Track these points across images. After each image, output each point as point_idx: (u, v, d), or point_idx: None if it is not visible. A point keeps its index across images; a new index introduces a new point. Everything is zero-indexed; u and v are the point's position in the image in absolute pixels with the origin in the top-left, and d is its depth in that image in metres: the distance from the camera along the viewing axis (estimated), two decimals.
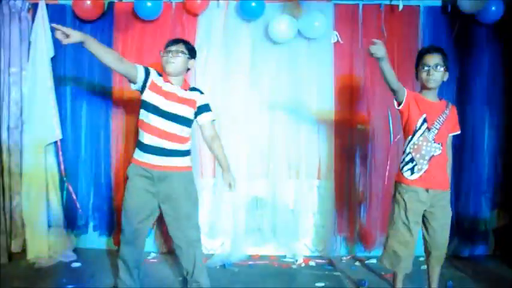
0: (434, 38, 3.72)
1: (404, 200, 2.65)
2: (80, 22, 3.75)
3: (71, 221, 3.82)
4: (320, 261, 3.73)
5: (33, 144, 3.62)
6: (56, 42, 3.66)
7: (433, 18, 3.79)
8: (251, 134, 3.83)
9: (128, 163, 3.70)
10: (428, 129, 2.61)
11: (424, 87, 2.68)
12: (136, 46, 3.77)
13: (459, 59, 3.78)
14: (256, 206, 3.85)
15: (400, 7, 3.73)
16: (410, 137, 2.66)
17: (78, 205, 3.79)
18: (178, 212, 2.71)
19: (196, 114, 2.76)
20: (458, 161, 3.79)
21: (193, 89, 2.82)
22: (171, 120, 2.67)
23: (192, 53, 2.80)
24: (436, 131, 2.61)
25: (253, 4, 3.58)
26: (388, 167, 3.77)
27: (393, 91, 2.63)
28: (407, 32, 3.79)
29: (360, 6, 3.79)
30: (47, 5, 3.67)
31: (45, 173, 3.66)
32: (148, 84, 2.70)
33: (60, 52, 3.74)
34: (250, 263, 3.67)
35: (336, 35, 3.76)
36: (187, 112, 2.72)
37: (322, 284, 3.24)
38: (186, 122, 2.72)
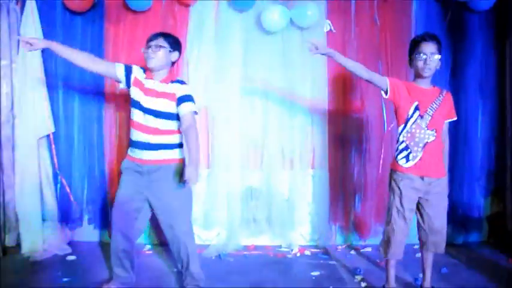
0: (427, 26, 3.70)
1: (399, 188, 2.67)
2: (70, 14, 3.71)
3: (65, 215, 3.80)
4: (315, 250, 3.74)
5: (25, 138, 3.59)
6: (46, 34, 3.64)
7: (425, 6, 3.78)
8: (245, 124, 3.82)
9: (121, 155, 3.73)
10: (421, 116, 2.62)
11: (418, 76, 2.67)
12: (127, 38, 3.74)
13: (452, 46, 3.78)
14: (251, 197, 3.85)
15: None
16: (403, 125, 2.67)
17: (72, 198, 3.78)
18: (168, 205, 2.71)
19: (177, 105, 2.69)
20: (451, 149, 3.79)
21: (175, 81, 2.73)
22: (153, 116, 2.66)
23: (174, 45, 2.75)
24: (429, 118, 2.61)
25: None
26: (382, 156, 3.78)
27: (369, 82, 2.66)
28: (400, 20, 3.78)
29: None
30: None
31: (38, 166, 3.64)
32: (132, 81, 2.74)
33: None
34: (245, 253, 3.67)
35: (329, 24, 3.75)
36: (168, 106, 2.67)
37: (317, 273, 3.25)
38: (168, 116, 2.68)
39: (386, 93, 2.67)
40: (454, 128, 3.74)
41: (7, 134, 3.62)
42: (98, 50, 3.73)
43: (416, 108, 2.62)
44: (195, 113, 2.72)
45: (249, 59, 3.78)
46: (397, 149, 2.70)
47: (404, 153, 2.65)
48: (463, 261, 3.43)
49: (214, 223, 3.82)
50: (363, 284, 3.05)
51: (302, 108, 3.81)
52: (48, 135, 3.70)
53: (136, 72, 2.77)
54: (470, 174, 3.82)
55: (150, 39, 2.72)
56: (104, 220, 3.86)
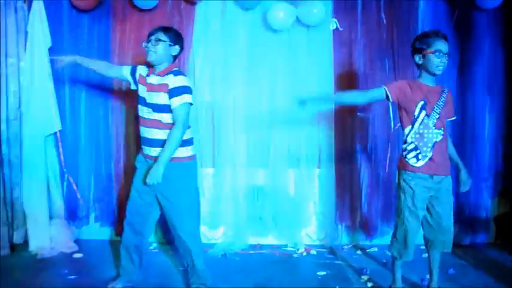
0: (434, 24, 3.67)
1: (411, 187, 2.62)
2: (76, 12, 3.73)
3: (72, 212, 3.83)
4: (321, 250, 3.73)
5: (32, 136, 3.61)
6: (53, 32, 3.65)
7: (432, 4, 3.74)
8: (251, 122, 3.81)
9: (128, 153, 3.76)
10: (428, 115, 2.58)
11: (428, 73, 2.61)
12: (134, 36, 3.74)
13: (459, 44, 3.74)
14: (257, 196, 3.85)
15: None
16: (410, 126, 2.62)
17: (79, 196, 3.80)
18: (174, 203, 2.71)
19: (169, 98, 2.62)
20: (458, 148, 3.76)
21: (170, 72, 2.66)
22: (153, 110, 2.66)
23: (174, 39, 2.72)
24: (436, 116, 2.58)
25: None
26: (388, 155, 3.75)
27: (370, 103, 2.65)
28: (407, 18, 3.73)
29: None
30: None
31: (45, 164, 3.66)
32: (137, 79, 2.80)
33: (58, 42, 3.71)
34: (251, 252, 3.67)
35: (335, 22, 3.72)
36: (164, 99, 2.63)
37: (323, 273, 3.24)
38: (166, 109, 2.64)
39: (388, 98, 2.63)
40: (460, 127, 3.73)
41: (15, 131, 3.63)
42: (104, 48, 3.75)
43: (423, 108, 2.58)
44: (190, 104, 2.64)
45: (255, 57, 3.77)
46: (405, 149, 2.65)
47: (414, 153, 2.61)
48: (470, 262, 3.41)
49: (220, 222, 3.83)
50: (369, 284, 3.04)
51: (308, 106, 3.77)
52: (55, 133, 3.71)
53: (141, 70, 2.80)
54: (477, 175, 3.79)
55: (151, 34, 2.72)
56: (111, 218, 3.88)
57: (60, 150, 3.74)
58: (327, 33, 3.73)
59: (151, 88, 2.68)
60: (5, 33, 3.57)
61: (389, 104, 3.70)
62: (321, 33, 3.72)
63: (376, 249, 3.74)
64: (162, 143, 2.63)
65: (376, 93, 2.66)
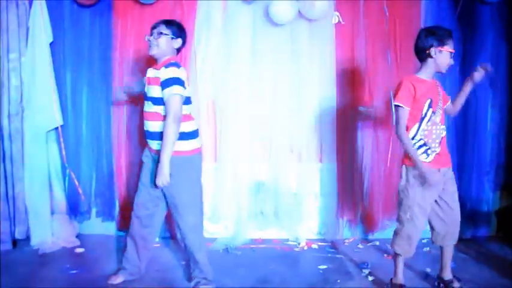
0: (437, 17, 3.66)
1: (421, 183, 2.59)
2: (78, 7, 3.72)
3: (74, 207, 3.84)
4: (323, 244, 3.74)
5: (34, 131, 3.61)
6: (55, 27, 3.65)
7: None
8: (252, 117, 3.80)
9: (129, 148, 3.75)
10: (434, 112, 2.58)
11: (435, 69, 2.59)
12: (135, 30, 3.73)
13: (462, 38, 3.72)
14: (259, 190, 3.85)
15: None
16: (417, 124, 2.59)
17: (80, 191, 3.80)
18: (176, 197, 2.71)
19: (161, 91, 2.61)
20: (461, 142, 3.78)
21: (165, 65, 2.63)
22: (152, 103, 2.66)
23: (177, 32, 2.72)
24: (440, 112, 2.59)
25: None
26: (390, 149, 3.75)
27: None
28: (410, 11, 3.72)
29: None
30: None
31: (47, 159, 3.67)
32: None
33: (59, 37, 3.71)
34: (253, 246, 3.67)
35: (337, 16, 3.71)
36: (158, 91, 2.62)
37: (325, 267, 3.25)
38: (159, 101, 2.62)
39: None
40: (462, 121, 3.73)
41: (16, 126, 3.63)
42: (106, 43, 3.74)
43: (430, 106, 2.57)
44: (180, 96, 2.58)
45: (257, 51, 3.75)
46: (413, 145, 2.60)
47: (423, 149, 2.59)
48: (472, 255, 3.40)
49: (221, 216, 3.82)
50: (370, 278, 3.05)
51: (310, 100, 3.79)
52: (56, 128, 3.71)
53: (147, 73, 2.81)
54: (479, 168, 3.78)
55: (153, 27, 2.72)
56: (112, 213, 3.88)
57: (62, 145, 3.74)
58: (329, 27, 3.72)
59: (149, 82, 2.70)
60: (6, 28, 3.56)
61: (391, 98, 3.71)
62: (323, 27, 3.71)
63: (377, 243, 3.74)
64: (161, 136, 2.63)
65: (404, 116, 2.57)
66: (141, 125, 2.82)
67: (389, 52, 3.72)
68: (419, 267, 3.14)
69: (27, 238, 3.65)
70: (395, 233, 2.75)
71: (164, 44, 2.68)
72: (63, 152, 3.75)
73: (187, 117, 2.72)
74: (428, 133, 2.58)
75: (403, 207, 2.68)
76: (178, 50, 2.80)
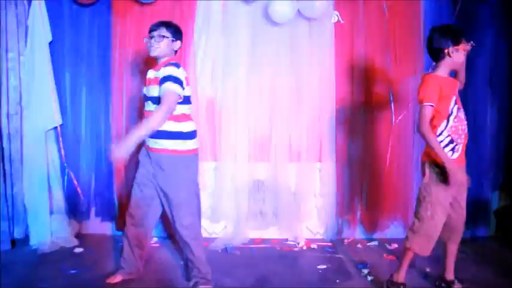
0: (437, 16, 3.67)
1: (447, 182, 2.54)
2: (77, 6, 3.72)
3: (73, 207, 3.83)
4: (322, 243, 3.74)
5: (33, 130, 3.61)
6: (54, 27, 3.65)
7: None
8: (252, 116, 3.81)
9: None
10: (459, 108, 2.59)
11: (451, 67, 2.60)
12: (135, 30, 3.73)
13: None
14: (258, 190, 3.85)
15: None
16: (446, 120, 2.56)
17: (79, 191, 3.79)
18: (172, 198, 2.71)
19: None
20: None
21: (165, 65, 2.64)
22: (152, 102, 2.67)
23: (176, 34, 2.75)
24: (462, 108, 2.60)
25: None
26: (389, 149, 3.75)
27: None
28: (409, 10, 3.73)
29: None
30: None
31: (46, 159, 3.66)
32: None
33: (58, 36, 3.71)
34: (252, 246, 3.67)
35: (337, 15, 3.71)
36: (157, 91, 2.63)
37: (324, 267, 3.25)
38: (159, 100, 2.62)
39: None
40: None
41: (15, 126, 3.63)
42: (105, 42, 3.74)
43: (455, 102, 2.57)
44: (176, 93, 2.57)
45: (257, 51, 3.76)
46: (441, 142, 2.55)
47: (451, 146, 2.57)
48: (471, 255, 3.40)
49: (221, 216, 3.83)
50: (370, 278, 3.04)
51: (309, 100, 3.79)
52: (55, 128, 3.71)
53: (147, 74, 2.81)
54: (478, 168, 3.78)
55: (153, 29, 2.72)
56: (111, 213, 3.88)
57: (61, 145, 3.74)
58: (329, 26, 3.72)
59: (149, 82, 2.72)
60: (5, 27, 3.56)
61: (390, 97, 3.72)
62: (323, 26, 3.71)
63: (376, 243, 3.75)
64: (161, 134, 2.64)
65: (429, 113, 2.52)
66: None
67: (389, 51, 3.72)
68: (418, 266, 3.13)
69: (26, 238, 3.65)
70: (413, 231, 2.66)
71: (165, 47, 2.70)
72: (62, 152, 3.75)
73: (187, 117, 2.73)
74: (455, 129, 2.57)
75: (424, 205, 2.62)
76: (176, 52, 2.82)
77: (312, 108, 3.80)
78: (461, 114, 2.60)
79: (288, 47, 3.75)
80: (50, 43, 3.65)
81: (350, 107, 3.79)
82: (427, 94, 2.52)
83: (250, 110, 3.80)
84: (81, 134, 3.84)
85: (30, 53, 3.59)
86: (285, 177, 3.82)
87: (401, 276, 2.75)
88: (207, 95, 3.81)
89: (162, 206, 2.82)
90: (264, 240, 3.79)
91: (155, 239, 3.79)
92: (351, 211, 3.85)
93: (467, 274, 3.03)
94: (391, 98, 3.74)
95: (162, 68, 2.63)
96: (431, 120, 2.56)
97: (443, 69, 2.59)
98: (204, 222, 3.66)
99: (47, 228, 3.62)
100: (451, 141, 2.57)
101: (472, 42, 2.58)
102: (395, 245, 3.65)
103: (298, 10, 3.60)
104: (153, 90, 2.66)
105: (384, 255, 3.48)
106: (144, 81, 2.86)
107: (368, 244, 3.74)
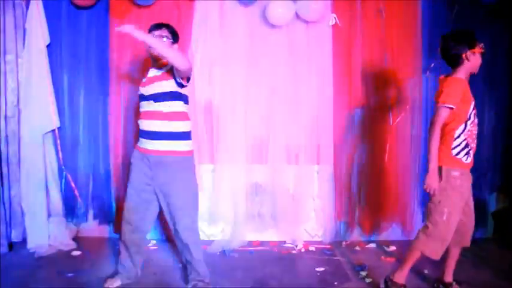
0: (434, 19, 3.70)
1: (463, 185, 2.58)
2: (75, 8, 3.71)
3: (71, 210, 3.83)
4: (320, 246, 3.74)
5: (31, 133, 3.60)
6: (52, 29, 3.64)
7: (432, 0, 3.74)
8: (250, 119, 3.81)
9: (126, 150, 3.73)
10: (475, 114, 2.60)
11: (469, 70, 2.61)
12: None
13: None
14: (256, 192, 3.85)
15: None
16: (463, 124, 2.56)
17: (77, 193, 3.78)
18: (172, 199, 2.71)
19: (175, 75, 2.63)
20: None
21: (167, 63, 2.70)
22: (153, 100, 2.67)
23: (175, 37, 2.78)
24: (476, 113, 2.62)
25: None
26: (388, 151, 3.75)
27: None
28: (407, 13, 3.74)
29: None
30: None
31: (43, 161, 3.65)
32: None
33: (56, 39, 3.71)
34: (250, 249, 3.67)
35: (334, 18, 3.72)
36: (166, 86, 2.65)
37: (322, 269, 3.24)
38: (167, 96, 2.65)
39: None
40: None
41: (13, 128, 3.63)
42: (103, 44, 3.74)
43: (474, 107, 2.59)
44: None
45: (254, 53, 3.77)
46: (458, 145, 2.57)
47: (466, 150, 2.58)
48: (469, 257, 3.39)
49: (219, 219, 3.82)
50: (368, 280, 3.04)
51: (307, 102, 3.79)
52: (53, 131, 3.70)
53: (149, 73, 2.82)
54: (476, 169, 3.74)
55: (154, 29, 2.72)
56: (109, 216, 3.87)
57: (59, 147, 3.73)
58: (326, 29, 3.73)
59: (152, 80, 2.70)
60: (3, 30, 3.56)
61: (388, 99, 3.72)
62: (320, 29, 3.72)
63: (374, 245, 3.75)
64: (162, 135, 2.64)
65: (445, 115, 2.53)
66: (138, 127, 2.81)
67: (386, 53, 3.73)
68: (416, 268, 3.12)
69: (24, 241, 3.64)
70: (427, 235, 2.63)
71: None
72: (60, 155, 3.74)
73: (185, 117, 2.74)
74: (470, 133, 2.59)
75: (440, 209, 2.60)
76: None
77: (310, 111, 3.80)
78: (476, 120, 2.62)
79: (286, 50, 3.76)
80: (48, 45, 3.64)
81: (348, 109, 3.80)
82: (450, 96, 2.52)
83: (248, 112, 3.80)
84: (79, 136, 3.83)
85: (28, 55, 3.58)
86: (283, 180, 3.82)
87: (403, 277, 2.74)
88: (205, 97, 3.81)
89: (160, 208, 2.82)
90: (262, 243, 3.79)
91: (153, 242, 3.79)
92: (349, 213, 3.85)
93: (465, 276, 3.03)
94: (389, 100, 3.74)
95: (168, 65, 2.67)
96: (449, 122, 2.57)
97: (463, 74, 2.61)
98: (202, 225, 3.65)
99: (45, 231, 3.62)
100: (467, 145, 2.59)
101: (482, 44, 2.59)
102: (394, 247, 3.65)
103: (296, 13, 3.61)
104: (160, 86, 2.65)
105: (382, 257, 3.48)
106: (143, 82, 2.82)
107: (366, 246, 3.74)
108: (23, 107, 3.61)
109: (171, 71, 2.64)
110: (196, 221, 2.86)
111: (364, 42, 3.74)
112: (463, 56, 2.57)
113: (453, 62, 2.63)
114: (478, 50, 2.57)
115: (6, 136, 3.60)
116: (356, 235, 3.87)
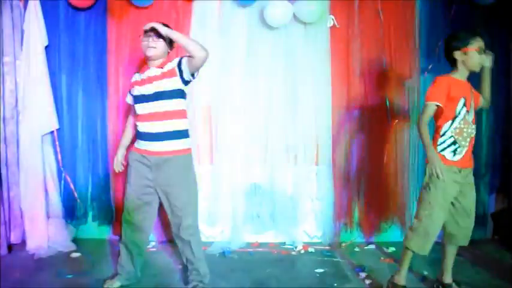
0: (431, 21, 3.70)
1: (445, 181, 2.58)
2: (73, 10, 3.71)
3: (70, 212, 3.82)
4: (319, 247, 3.74)
5: (29, 134, 3.60)
6: (50, 31, 3.64)
7: (429, 0, 3.74)
8: (248, 120, 3.80)
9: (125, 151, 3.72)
10: (468, 111, 2.61)
11: (467, 69, 2.65)
12: (130, 33, 3.72)
13: None
14: (255, 193, 3.84)
15: None
16: (450, 121, 2.61)
17: (76, 195, 3.78)
18: (175, 198, 2.71)
19: (182, 72, 2.63)
20: None
21: (168, 61, 2.72)
22: (152, 100, 2.66)
23: (171, 40, 2.74)
24: (473, 112, 2.64)
25: None
26: (386, 151, 3.75)
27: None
28: (404, 15, 3.74)
29: None
30: None
31: (42, 163, 3.65)
32: (132, 90, 2.82)
33: (54, 40, 3.71)
34: (249, 250, 3.67)
35: (332, 19, 3.72)
36: (167, 85, 2.64)
37: (321, 270, 3.24)
38: (167, 95, 2.64)
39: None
40: None
41: (12, 130, 3.62)
42: (100, 45, 3.74)
43: (464, 105, 2.60)
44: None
45: (253, 54, 3.76)
46: (443, 142, 2.63)
47: (452, 147, 2.61)
48: (468, 258, 3.40)
49: (218, 220, 3.82)
50: (368, 281, 3.04)
51: (305, 103, 3.78)
52: (52, 132, 3.70)
53: (133, 80, 2.82)
54: (475, 171, 3.72)
55: (150, 29, 2.70)
56: (109, 217, 3.86)
57: (58, 149, 3.74)
58: (324, 30, 3.73)
59: (148, 81, 2.69)
60: (1, 31, 3.55)
61: (386, 100, 3.73)
62: (318, 30, 3.72)
63: (373, 246, 3.75)
64: (163, 136, 2.64)
65: (429, 111, 2.61)
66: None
67: (384, 55, 3.73)
68: (416, 269, 3.13)
69: (23, 242, 3.64)
70: (412, 230, 2.70)
71: (162, 47, 2.70)
72: (59, 156, 3.74)
73: (184, 115, 2.75)
74: (459, 131, 2.61)
75: (423, 204, 2.66)
76: (168, 54, 2.82)
77: (309, 111, 3.80)
78: (470, 118, 2.63)
79: (284, 51, 3.76)
80: (46, 47, 3.64)
81: (346, 110, 3.80)
82: (433, 93, 2.62)
83: (246, 113, 3.79)
84: (77, 138, 3.83)
85: (26, 56, 3.58)
86: (282, 181, 3.82)
87: (402, 278, 2.76)
88: (203, 98, 3.81)
89: (159, 208, 2.81)
90: (261, 244, 3.79)
91: (153, 243, 3.79)
92: (348, 214, 3.85)
93: (464, 277, 3.03)
94: (387, 101, 3.75)
95: (169, 63, 2.67)
96: (437, 119, 2.65)
97: (459, 73, 2.66)
98: (201, 226, 3.63)
99: (44, 233, 3.61)
100: (454, 143, 2.61)
101: (479, 43, 2.62)
102: (393, 248, 3.65)
103: (294, 14, 3.60)
104: (161, 85, 2.64)
105: (382, 258, 3.48)
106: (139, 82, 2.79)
107: (365, 247, 3.74)
108: (22, 109, 3.61)
109: (174, 69, 2.63)
110: (197, 219, 2.86)
111: (362, 44, 3.74)
112: (455, 56, 2.64)
113: (450, 62, 2.71)
114: (470, 49, 2.60)
115: (5, 137, 3.60)
116: (355, 236, 3.87)
